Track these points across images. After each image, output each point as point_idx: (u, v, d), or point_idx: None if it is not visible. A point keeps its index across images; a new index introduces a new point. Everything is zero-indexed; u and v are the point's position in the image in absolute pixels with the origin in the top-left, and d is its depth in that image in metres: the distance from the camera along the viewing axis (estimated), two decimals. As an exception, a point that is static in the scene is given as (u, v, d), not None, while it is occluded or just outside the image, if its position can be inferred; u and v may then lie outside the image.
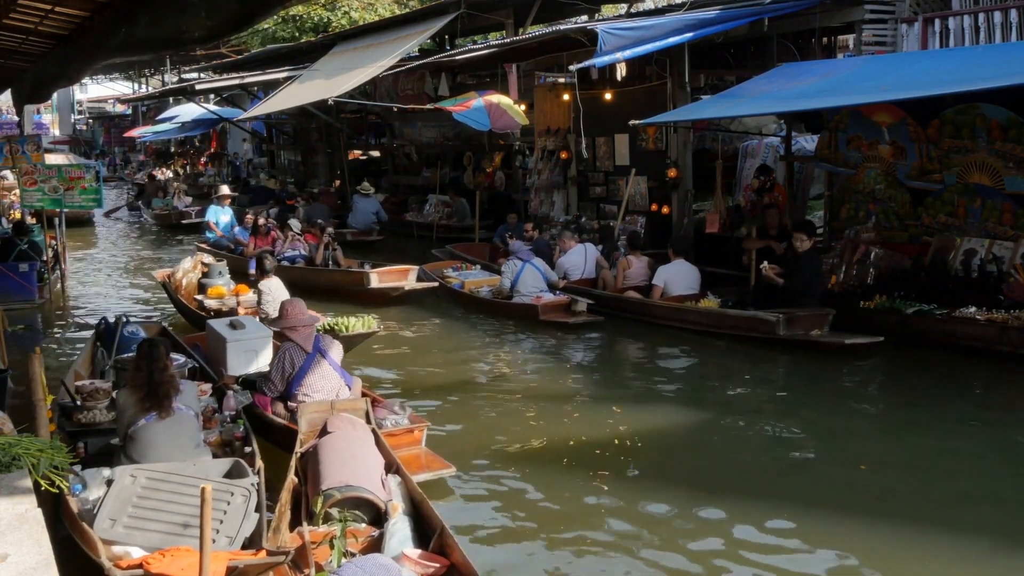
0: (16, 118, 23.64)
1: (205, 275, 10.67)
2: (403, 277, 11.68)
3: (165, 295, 11.33)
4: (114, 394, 6.23)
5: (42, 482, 4.15)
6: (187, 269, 10.97)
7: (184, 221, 20.88)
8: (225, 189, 17.11)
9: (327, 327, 8.88)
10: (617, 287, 10.70)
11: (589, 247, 11.57)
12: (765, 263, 9.47)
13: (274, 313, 8.82)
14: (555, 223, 13.65)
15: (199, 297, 10.42)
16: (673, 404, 7.74)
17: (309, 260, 12.92)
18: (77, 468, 4.98)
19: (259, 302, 9.55)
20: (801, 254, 9.28)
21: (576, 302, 10.17)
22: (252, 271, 10.96)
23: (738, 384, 8.15)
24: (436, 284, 11.67)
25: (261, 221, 13.94)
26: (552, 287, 10.76)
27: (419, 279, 11.79)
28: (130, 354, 6.99)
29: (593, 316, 10.11)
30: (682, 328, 9.63)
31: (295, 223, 13.89)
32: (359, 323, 9.16)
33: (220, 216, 15.72)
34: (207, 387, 6.73)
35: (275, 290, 9.46)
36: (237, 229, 15.06)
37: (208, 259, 11.22)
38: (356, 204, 17.47)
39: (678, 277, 10.19)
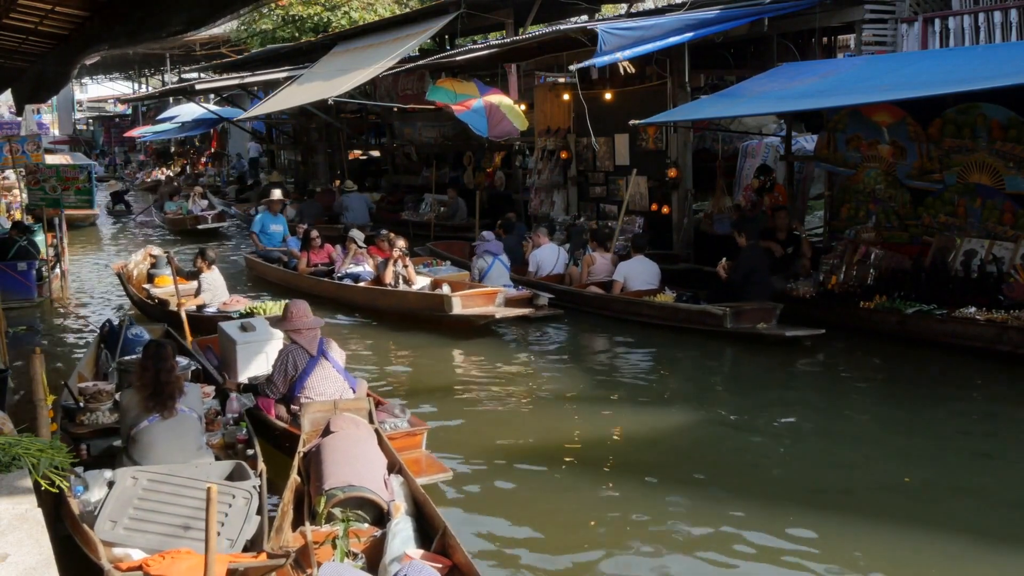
0: (19, 118, 23.66)
1: (153, 266, 11.37)
2: (489, 301, 10.08)
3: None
4: (117, 396, 6.24)
5: (42, 482, 4.15)
6: (138, 261, 11.78)
7: (200, 226, 19.25)
8: (277, 193, 14.93)
9: (247, 311, 9.46)
10: (581, 282, 10.95)
11: (559, 246, 11.93)
12: (724, 260, 9.79)
13: (207, 302, 9.95)
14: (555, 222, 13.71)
15: (147, 286, 11.10)
16: (651, 401, 7.88)
17: (375, 278, 11.18)
18: (79, 470, 4.97)
19: (197, 291, 10.10)
20: (742, 250, 9.78)
21: (538, 296, 10.32)
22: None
23: (701, 376, 8.59)
24: (529, 311, 10.08)
25: (314, 233, 12.51)
26: (515, 283, 11.06)
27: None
28: (133, 356, 7.00)
29: (553, 310, 10.24)
30: (638, 321, 9.89)
31: (357, 233, 11.98)
32: (276, 307, 9.55)
33: (271, 226, 13.90)
34: (210, 389, 6.72)
35: (213, 281, 10.13)
36: (290, 240, 13.45)
37: (156, 251, 11.84)
38: (350, 202, 17.57)
39: (637, 273, 10.48)
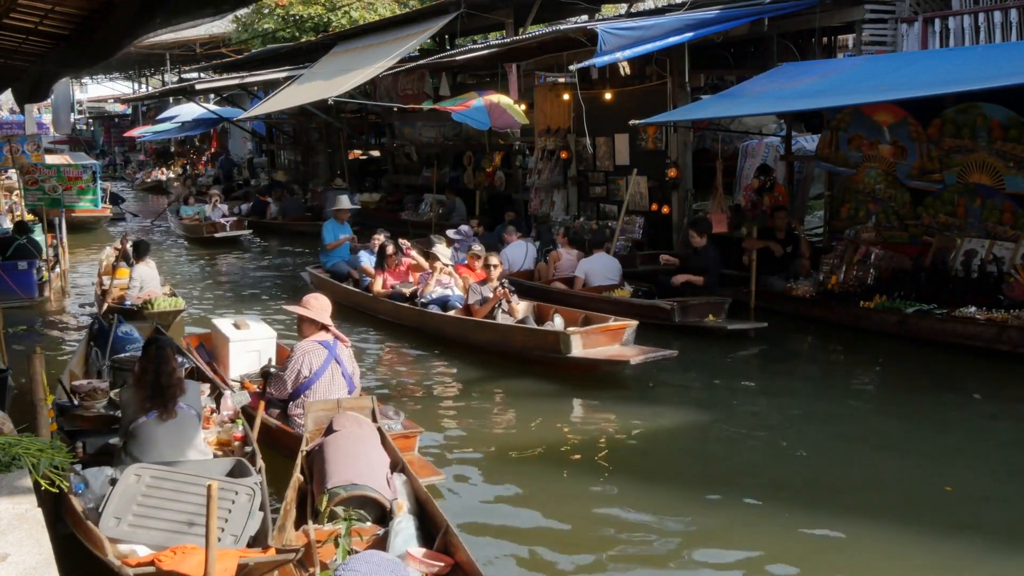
0: (21, 116, 23.64)
1: (117, 258, 11.66)
2: (617, 338, 8.17)
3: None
4: (113, 394, 6.23)
5: (42, 482, 4.15)
6: (109, 254, 12.39)
7: (218, 234, 17.88)
8: (344, 200, 13.39)
9: (142, 304, 9.86)
10: (548, 278, 11.16)
11: (529, 244, 12.20)
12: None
13: (135, 294, 10.16)
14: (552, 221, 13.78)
15: (105, 277, 11.39)
16: (615, 394, 7.91)
17: (467, 305, 9.37)
18: (77, 467, 4.96)
19: (129, 285, 10.48)
20: (697, 249, 10.32)
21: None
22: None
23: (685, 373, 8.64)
24: (674, 353, 8.14)
25: (391, 249, 10.61)
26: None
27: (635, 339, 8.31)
28: (127, 354, 7.00)
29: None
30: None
31: (442, 250, 10.47)
32: (166, 302, 9.99)
33: (340, 235, 12.56)
34: (206, 387, 6.71)
35: (143, 276, 10.50)
36: (362, 254, 11.77)
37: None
38: (331, 196, 17.56)
39: (598, 269, 10.73)
